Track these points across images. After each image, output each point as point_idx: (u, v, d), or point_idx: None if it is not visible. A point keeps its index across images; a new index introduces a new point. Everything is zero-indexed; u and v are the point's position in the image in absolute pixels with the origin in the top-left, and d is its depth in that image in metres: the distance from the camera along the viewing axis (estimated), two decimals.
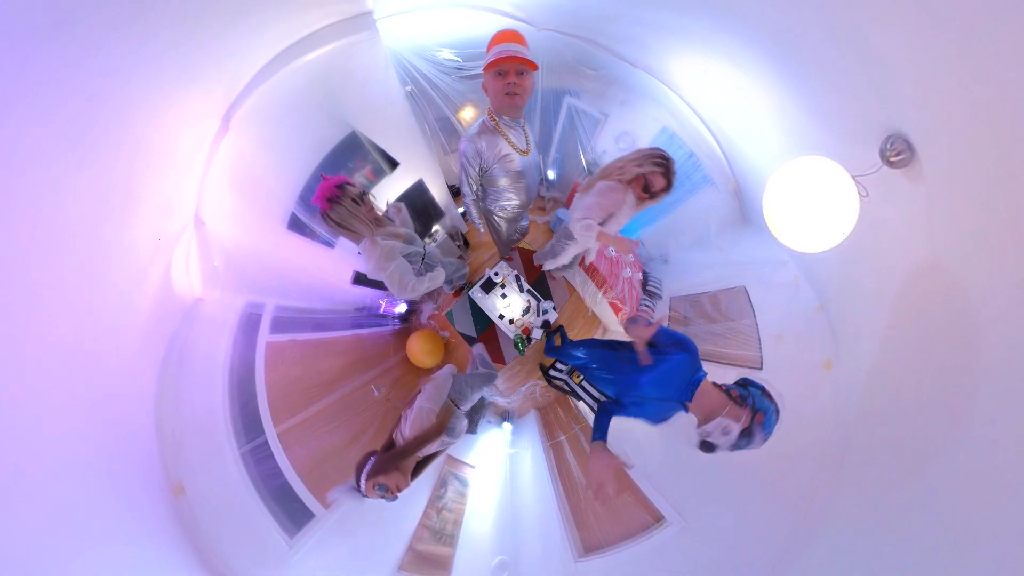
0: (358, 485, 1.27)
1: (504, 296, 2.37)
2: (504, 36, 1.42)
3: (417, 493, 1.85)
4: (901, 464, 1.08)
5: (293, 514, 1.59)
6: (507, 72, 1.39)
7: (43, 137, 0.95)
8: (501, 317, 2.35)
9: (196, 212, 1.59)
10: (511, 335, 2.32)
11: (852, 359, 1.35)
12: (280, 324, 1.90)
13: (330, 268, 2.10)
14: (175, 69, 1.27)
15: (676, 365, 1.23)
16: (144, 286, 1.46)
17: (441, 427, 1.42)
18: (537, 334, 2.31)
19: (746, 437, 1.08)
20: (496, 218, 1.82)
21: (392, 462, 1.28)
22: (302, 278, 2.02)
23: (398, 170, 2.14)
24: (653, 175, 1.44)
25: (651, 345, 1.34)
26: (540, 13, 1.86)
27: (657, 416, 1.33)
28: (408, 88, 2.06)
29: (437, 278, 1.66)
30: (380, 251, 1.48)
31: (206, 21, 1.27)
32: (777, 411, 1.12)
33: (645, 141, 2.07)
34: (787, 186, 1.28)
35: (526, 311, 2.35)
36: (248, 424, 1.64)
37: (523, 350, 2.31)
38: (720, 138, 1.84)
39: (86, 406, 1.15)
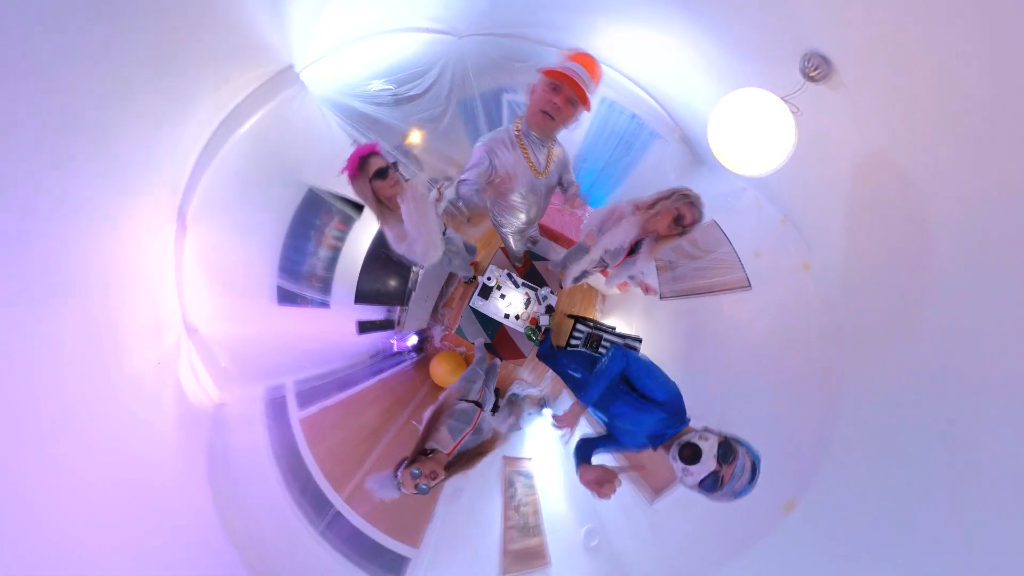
0: (396, 475, 1.26)
1: (503, 296, 2.40)
2: (583, 58, 1.29)
3: (490, 505, 1.90)
4: (892, 325, 1.26)
5: (390, 565, 1.60)
6: (560, 90, 1.28)
7: (13, 291, 0.86)
8: (507, 316, 2.39)
9: (184, 320, 1.49)
10: (521, 329, 2.37)
11: (826, 255, 1.52)
12: (305, 397, 1.84)
13: (333, 326, 2.03)
14: (117, 186, 1.17)
15: (653, 418, 1.22)
16: (161, 409, 1.37)
17: (444, 406, 1.41)
18: (544, 320, 2.37)
19: (708, 488, 1.01)
20: (503, 231, 1.82)
21: (423, 452, 1.29)
22: (310, 345, 1.95)
23: (365, 212, 2.07)
24: (684, 207, 1.42)
25: (637, 391, 1.31)
26: (458, 22, 1.84)
27: (631, 444, 1.32)
28: (351, 143, 1.97)
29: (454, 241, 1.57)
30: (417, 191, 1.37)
31: (130, 125, 1.16)
32: (751, 473, 1.01)
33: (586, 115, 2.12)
34: (727, 121, 1.39)
35: (527, 303, 2.40)
36: (315, 503, 1.61)
37: (536, 339, 2.37)
38: (656, 95, 1.93)
39: (152, 540, 1.10)
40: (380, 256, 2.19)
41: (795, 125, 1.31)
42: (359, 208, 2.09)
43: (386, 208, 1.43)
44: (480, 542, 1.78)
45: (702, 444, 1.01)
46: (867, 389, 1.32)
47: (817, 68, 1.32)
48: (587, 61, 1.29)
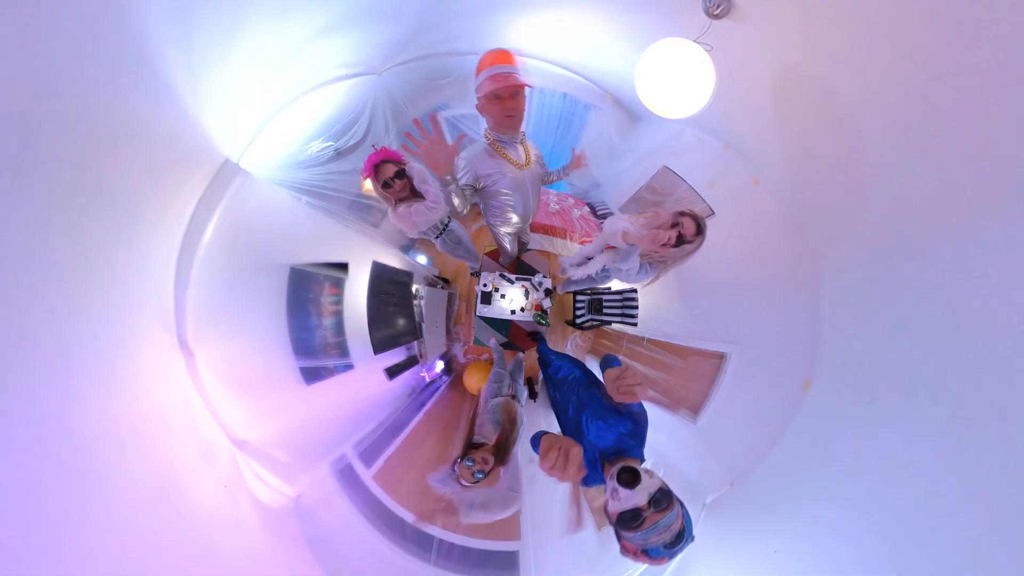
0: (453, 469, 1.32)
1: (503, 296, 2.47)
2: (494, 57, 1.30)
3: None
4: (844, 212, 1.43)
5: (503, 563, 1.73)
6: (502, 96, 1.31)
7: (64, 466, 0.87)
8: (513, 312, 2.46)
9: (230, 439, 1.48)
10: (530, 318, 2.46)
11: (770, 168, 1.67)
12: (368, 455, 1.88)
13: (364, 383, 2.05)
14: (112, 343, 1.14)
15: (616, 432, 1.17)
16: (245, 525, 1.40)
17: (511, 417, 1.47)
18: (547, 303, 2.47)
19: (624, 522, 0.90)
20: (500, 231, 1.82)
21: (472, 446, 1.36)
22: (351, 408, 1.97)
23: (351, 268, 2.05)
24: (685, 220, 1.38)
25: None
26: (373, 59, 1.78)
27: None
28: (303, 199, 1.91)
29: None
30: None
31: (99, 275, 1.12)
32: (674, 539, 0.88)
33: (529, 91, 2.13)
34: (651, 74, 1.45)
35: (527, 294, 2.48)
36: (418, 541, 1.69)
37: (546, 322, 2.47)
38: (579, 70, 1.98)
39: None
40: (380, 298, 2.20)
41: (712, 62, 1.40)
42: (343, 267, 2.06)
43: (398, 200, 1.52)
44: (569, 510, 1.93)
45: (644, 476, 0.91)
46: (838, 267, 1.51)
47: (719, 6, 1.40)
48: (500, 56, 1.32)
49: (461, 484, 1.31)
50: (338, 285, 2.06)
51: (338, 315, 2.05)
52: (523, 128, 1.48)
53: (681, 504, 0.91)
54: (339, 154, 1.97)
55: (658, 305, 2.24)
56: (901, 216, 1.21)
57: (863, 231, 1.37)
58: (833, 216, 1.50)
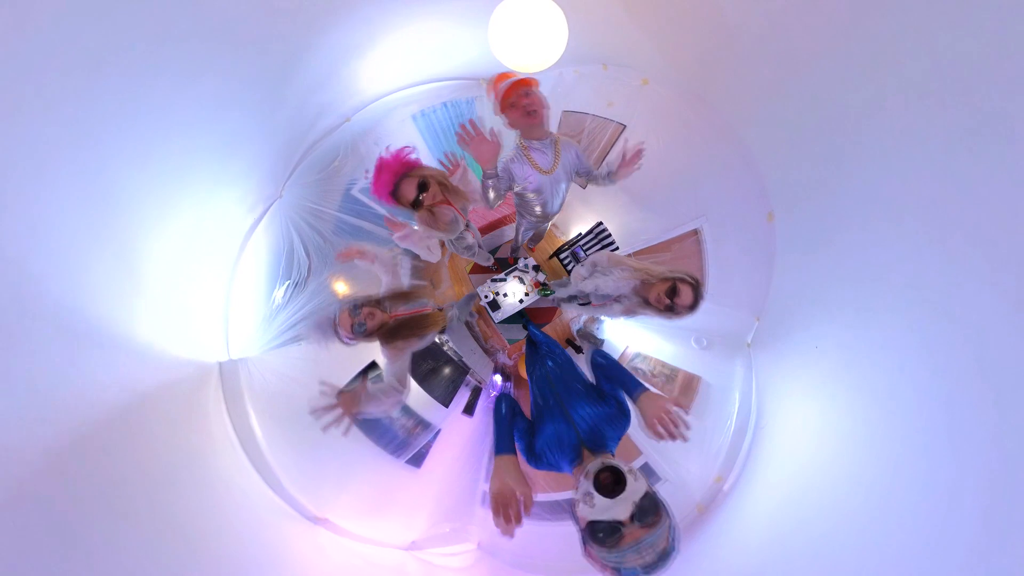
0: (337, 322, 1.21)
1: (506, 295, 2.54)
2: (496, 79, 1.40)
3: None
4: (745, 86, 1.49)
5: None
6: (516, 103, 1.37)
7: None
8: (521, 302, 2.55)
9: (402, 550, 1.59)
10: (537, 296, 2.56)
11: (657, 70, 1.69)
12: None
13: (457, 434, 2.17)
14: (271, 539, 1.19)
15: (601, 412, 1.00)
16: None
17: (425, 319, 1.36)
18: (541, 276, 2.56)
19: (598, 534, 0.71)
20: (521, 220, 1.88)
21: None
22: (462, 454, 2.10)
23: (368, 371, 2.07)
24: (683, 286, 1.24)
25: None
26: (266, 189, 1.65)
27: (555, 452, 0.98)
28: (301, 344, 1.85)
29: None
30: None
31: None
32: (657, 559, 0.68)
33: (404, 136, 2.02)
34: (504, 36, 1.34)
35: (523, 281, 2.55)
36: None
37: (551, 290, 2.57)
38: (443, 75, 1.86)
39: None
40: (416, 365, 2.24)
41: (560, 8, 1.34)
42: (373, 366, 2.07)
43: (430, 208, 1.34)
44: None
45: (629, 480, 0.71)
46: (759, 118, 1.58)
47: None
48: (500, 77, 1.39)
49: (339, 335, 1.19)
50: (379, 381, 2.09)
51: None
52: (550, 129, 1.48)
53: (669, 514, 0.71)
54: (299, 286, 1.89)
55: (626, 224, 2.35)
56: (794, 80, 1.26)
57: (764, 74, 1.42)
58: (729, 74, 1.54)
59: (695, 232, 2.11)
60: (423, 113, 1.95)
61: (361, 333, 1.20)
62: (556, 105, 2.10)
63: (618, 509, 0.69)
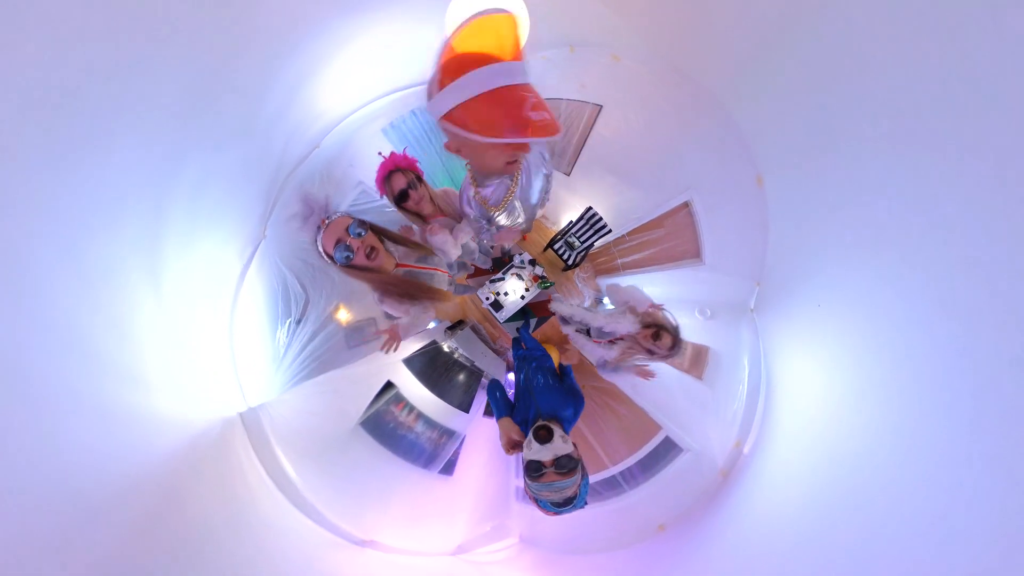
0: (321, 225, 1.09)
1: (507, 294, 2.51)
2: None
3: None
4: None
5: (669, 451, 2.03)
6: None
7: None
8: (523, 298, 2.52)
9: (452, 555, 1.64)
10: (538, 290, 2.53)
11: (620, 44, 1.59)
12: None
13: (481, 434, 2.19)
14: None
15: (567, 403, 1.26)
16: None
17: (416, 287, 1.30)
18: (539, 270, 2.52)
19: (528, 470, 1.01)
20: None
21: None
22: (489, 455, 2.14)
23: (395, 381, 2.07)
24: (665, 333, 1.40)
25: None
26: (250, 230, 1.58)
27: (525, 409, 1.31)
28: (316, 378, 1.84)
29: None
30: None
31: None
32: (563, 502, 0.99)
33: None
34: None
35: (520, 278, 2.52)
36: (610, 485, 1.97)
37: (550, 282, 2.54)
38: (403, 83, 1.76)
39: None
40: (431, 377, 2.25)
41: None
42: (389, 386, 2.08)
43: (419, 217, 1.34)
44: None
45: (556, 438, 0.99)
46: (748, 83, 1.50)
47: None
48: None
49: (319, 246, 1.11)
50: (398, 400, 2.10)
51: (419, 415, 2.12)
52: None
53: (583, 476, 1.00)
54: (300, 322, 1.86)
55: (616, 205, 2.29)
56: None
57: (741, 39, 1.34)
58: (704, 41, 1.46)
59: (686, 205, 2.06)
60: (393, 125, 1.85)
61: (343, 261, 1.06)
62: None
63: (543, 453, 0.98)
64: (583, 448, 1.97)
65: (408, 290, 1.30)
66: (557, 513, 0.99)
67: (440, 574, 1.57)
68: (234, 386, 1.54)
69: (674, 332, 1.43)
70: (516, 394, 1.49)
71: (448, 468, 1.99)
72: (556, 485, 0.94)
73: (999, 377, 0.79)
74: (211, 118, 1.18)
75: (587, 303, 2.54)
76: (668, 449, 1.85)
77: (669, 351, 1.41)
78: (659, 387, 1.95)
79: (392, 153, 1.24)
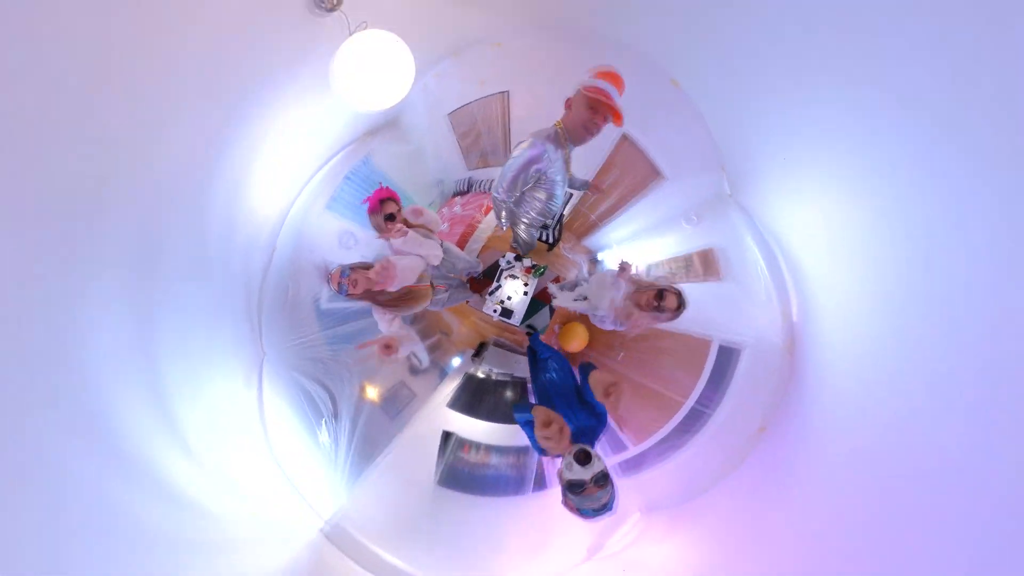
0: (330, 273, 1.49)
1: (510, 298, 2.49)
2: (611, 77, 1.30)
3: None
4: None
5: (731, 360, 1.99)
6: (600, 111, 1.30)
7: None
8: (526, 295, 2.51)
9: (589, 559, 1.55)
10: (535, 280, 2.52)
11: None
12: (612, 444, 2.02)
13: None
14: None
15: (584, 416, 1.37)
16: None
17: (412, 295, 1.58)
18: (528, 263, 2.51)
19: (571, 487, 1.16)
20: (522, 225, 1.79)
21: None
22: None
23: (453, 430, 2.01)
24: (668, 290, 1.43)
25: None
26: (251, 354, 1.54)
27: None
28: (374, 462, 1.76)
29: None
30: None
31: None
32: (599, 508, 1.16)
33: (330, 229, 1.92)
34: (349, 75, 1.26)
35: (518, 278, 2.51)
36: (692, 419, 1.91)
37: (543, 267, 2.54)
38: (325, 153, 1.77)
39: None
40: (482, 407, 2.19)
41: (405, 45, 1.27)
42: (448, 436, 2.01)
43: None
44: None
45: (595, 459, 1.15)
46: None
47: (323, 4, 1.24)
48: (616, 79, 1.31)
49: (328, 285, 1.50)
50: (462, 444, 2.03)
51: (488, 448, 2.05)
52: None
53: (613, 486, 1.17)
54: (336, 417, 1.80)
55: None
56: None
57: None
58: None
59: (624, 137, 2.11)
60: (334, 198, 1.86)
61: (343, 294, 1.44)
62: (437, 114, 2.05)
63: (585, 473, 1.14)
64: (648, 397, 1.92)
65: (393, 300, 1.55)
66: (595, 519, 1.16)
67: None
68: (301, 506, 1.46)
69: (675, 289, 1.44)
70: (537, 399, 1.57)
71: (540, 482, 1.90)
72: (595, 497, 1.13)
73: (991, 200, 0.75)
74: (166, 269, 1.16)
75: (584, 268, 2.54)
76: (727, 356, 1.82)
77: (677, 310, 1.42)
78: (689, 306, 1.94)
79: (379, 187, 1.56)
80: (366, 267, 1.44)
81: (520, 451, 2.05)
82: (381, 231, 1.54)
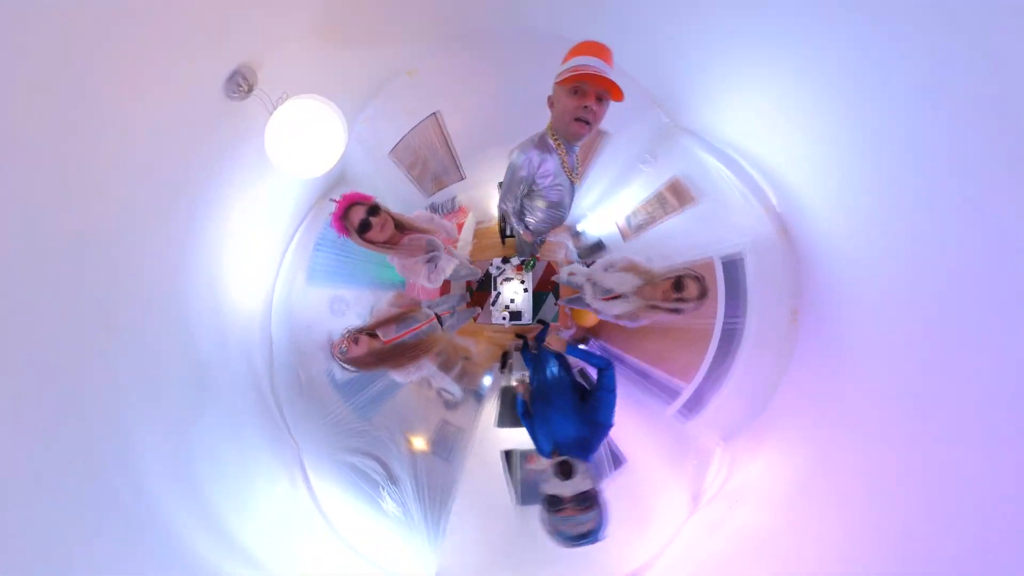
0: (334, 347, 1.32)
1: (513, 300, 2.48)
2: (588, 47, 1.02)
3: None
4: None
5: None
6: (586, 93, 1.02)
7: None
8: (526, 291, 2.50)
9: (694, 512, 1.50)
10: (531, 275, 2.52)
11: None
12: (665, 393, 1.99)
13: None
14: None
15: (576, 426, 1.24)
16: None
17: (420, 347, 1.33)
18: (516, 260, 2.52)
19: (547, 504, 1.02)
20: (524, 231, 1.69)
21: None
22: (636, 412, 2.02)
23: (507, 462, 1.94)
24: (688, 278, 1.20)
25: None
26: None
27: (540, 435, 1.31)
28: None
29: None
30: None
31: None
32: (581, 535, 0.99)
33: (320, 304, 1.88)
34: (282, 140, 1.23)
35: (511, 279, 2.50)
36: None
37: (534, 259, 2.54)
38: (288, 234, 1.75)
39: None
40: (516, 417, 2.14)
41: (334, 111, 1.28)
42: (508, 452, 1.94)
43: (388, 247, 1.29)
44: None
45: (578, 475, 0.99)
46: None
47: (237, 91, 1.24)
48: (588, 46, 1.03)
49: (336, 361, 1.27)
50: (525, 456, 1.95)
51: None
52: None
53: (601, 511, 0.98)
54: (394, 481, 1.70)
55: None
56: None
57: None
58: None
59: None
60: (311, 271, 1.83)
61: (343, 358, 1.22)
62: (379, 157, 2.07)
63: (565, 488, 0.98)
64: (679, 336, 1.92)
65: (398, 358, 1.29)
66: (572, 546, 0.97)
67: (707, 538, 1.41)
68: None
69: (693, 273, 1.22)
70: (533, 412, 1.41)
71: (615, 461, 1.85)
72: (575, 520, 0.95)
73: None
74: (173, 395, 1.10)
75: (570, 244, 2.56)
76: (733, 267, 1.85)
77: (699, 299, 1.20)
78: (675, 241, 1.98)
79: (343, 195, 1.20)
80: (361, 329, 1.24)
81: (582, 439, 1.99)
82: (375, 244, 1.22)
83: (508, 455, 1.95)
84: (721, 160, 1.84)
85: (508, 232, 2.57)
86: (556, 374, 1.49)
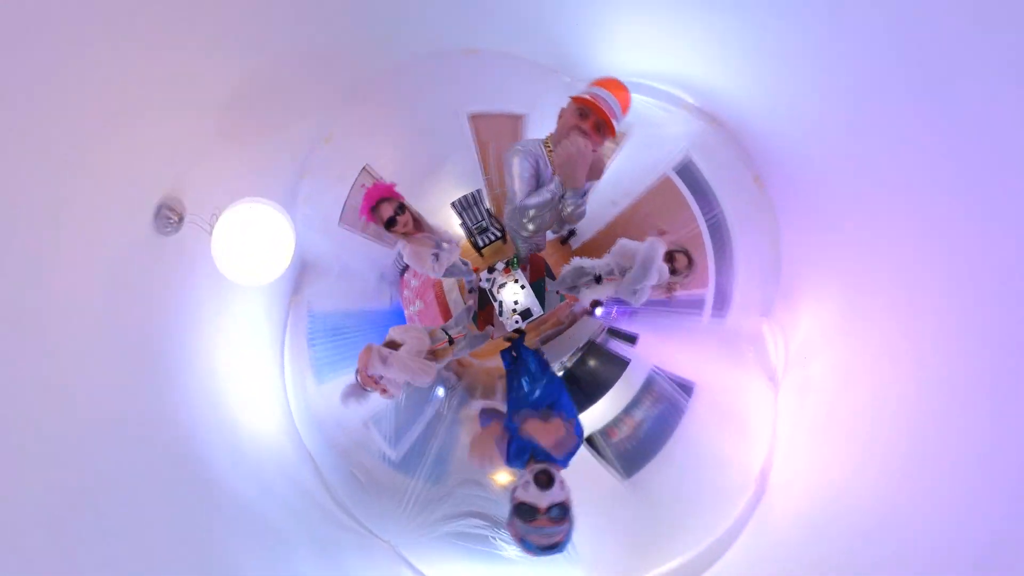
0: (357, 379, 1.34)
1: (517, 302, 2.45)
2: (612, 84, 1.20)
3: None
4: None
5: None
6: (588, 117, 1.19)
7: None
8: (523, 287, 2.49)
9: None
10: (519, 272, 2.51)
11: None
12: None
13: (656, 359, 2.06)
14: None
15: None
16: None
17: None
18: (500, 264, 2.50)
19: (520, 512, 1.00)
20: (514, 234, 1.74)
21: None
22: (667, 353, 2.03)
23: None
24: (677, 254, 1.37)
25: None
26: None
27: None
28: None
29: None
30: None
31: None
32: (549, 546, 0.98)
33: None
34: (229, 247, 1.19)
35: (505, 284, 2.48)
36: None
37: (518, 256, 2.53)
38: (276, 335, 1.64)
39: None
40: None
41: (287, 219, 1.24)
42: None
43: (404, 236, 1.48)
44: None
45: (556, 485, 0.98)
46: None
47: (169, 223, 1.17)
48: (614, 86, 1.21)
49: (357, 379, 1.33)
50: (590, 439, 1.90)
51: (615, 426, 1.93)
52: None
53: (570, 524, 0.98)
54: (497, 524, 1.56)
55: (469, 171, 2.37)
56: None
57: None
58: None
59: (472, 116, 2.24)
60: (315, 368, 1.71)
61: (360, 387, 1.31)
62: (331, 230, 2.00)
63: (541, 499, 0.96)
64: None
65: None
66: (538, 556, 0.98)
67: (801, 403, 1.42)
68: None
69: (683, 250, 1.42)
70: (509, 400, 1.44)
71: (686, 391, 1.84)
72: (546, 531, 0.95)
73: None
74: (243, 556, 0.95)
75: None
76: (688, 170, 1.92)
77: (688, 268, 1.40)
78: (629, 175, 2.06)
79: (375, 184, 1.36)
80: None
81: (633, 407, 1.95)
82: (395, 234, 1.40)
83: (589, 441, 1.88)
84: (632, 90, 1.97)
85: (482, 244, 2.57)
86: (533, 371, 1.53)
